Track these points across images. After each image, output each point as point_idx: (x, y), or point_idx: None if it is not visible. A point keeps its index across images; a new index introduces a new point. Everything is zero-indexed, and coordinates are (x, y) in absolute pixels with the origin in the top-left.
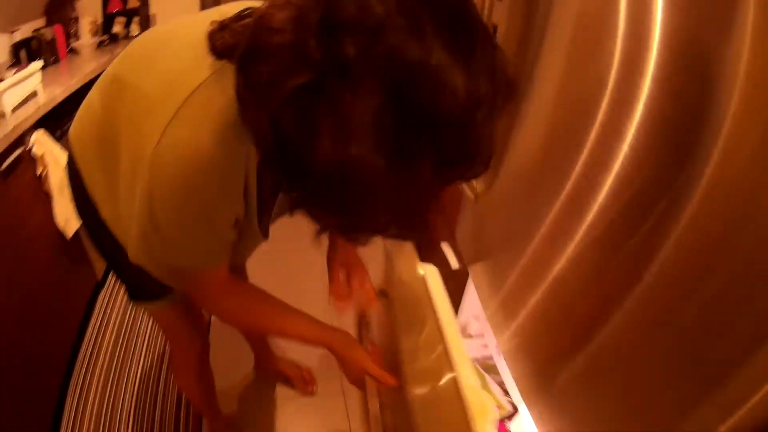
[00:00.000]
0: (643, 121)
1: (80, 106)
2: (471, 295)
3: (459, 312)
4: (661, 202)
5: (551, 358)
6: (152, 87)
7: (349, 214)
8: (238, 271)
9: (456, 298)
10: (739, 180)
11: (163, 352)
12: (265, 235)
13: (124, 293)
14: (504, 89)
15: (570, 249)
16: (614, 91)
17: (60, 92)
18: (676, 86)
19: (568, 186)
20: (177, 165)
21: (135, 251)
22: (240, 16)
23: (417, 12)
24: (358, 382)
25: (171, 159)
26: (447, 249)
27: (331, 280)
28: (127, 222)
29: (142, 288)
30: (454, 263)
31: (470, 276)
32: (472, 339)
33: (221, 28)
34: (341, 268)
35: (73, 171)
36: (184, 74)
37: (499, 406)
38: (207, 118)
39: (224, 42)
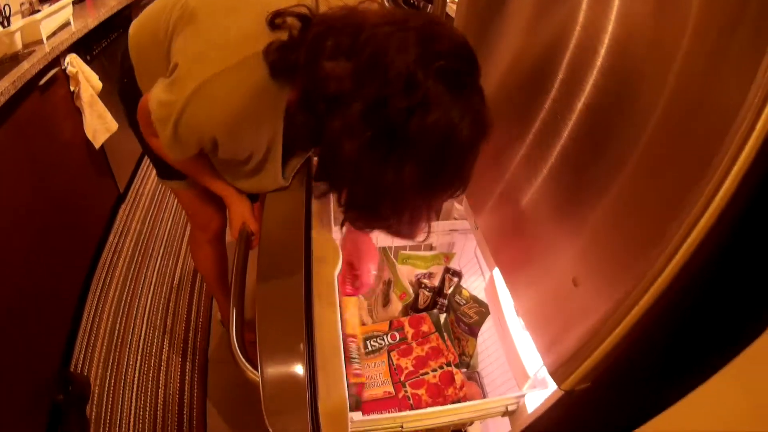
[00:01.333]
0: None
1: (143, 12)
2: None
3: None
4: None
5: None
6: (215, 36)
7: (371, 211)
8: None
9: None
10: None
11: (179, 254)
12: (287, 180)
13: (154, 176)
14: (485, 130)
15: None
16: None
17: (91, 21)
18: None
19: (542, 114)
20: (207, 109)
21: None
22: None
23: (445, 87)
24: (236, 227)
25: (204, 104)
26: None
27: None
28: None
29: (170, 168)
30: None
31: None
32: (456, 221)
33: (281, 47)
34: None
35: (126, 62)
36: (244, 40)
37: (404, 293)
38: (244, 86)
39: (283, 61)
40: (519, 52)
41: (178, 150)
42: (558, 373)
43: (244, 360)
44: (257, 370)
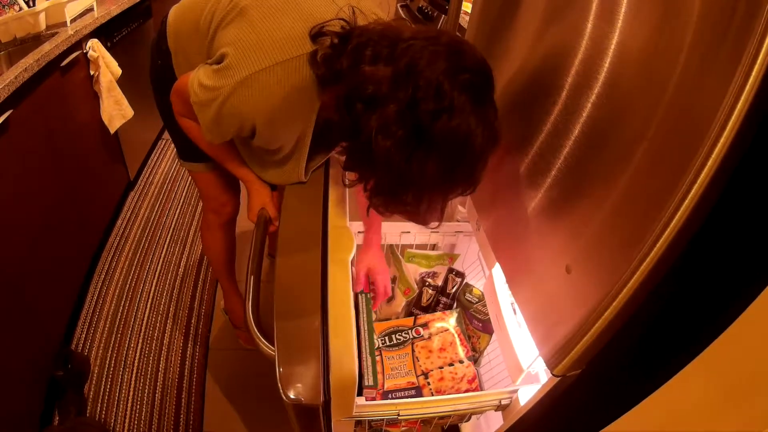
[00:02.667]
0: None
1: (183, 1)
2: None
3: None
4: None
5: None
6: (270, 33)
7: (394, 198)
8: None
9: None
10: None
11: (186, 243)
12: (306, 174)
13: (165, 165)
14: (496, 141)
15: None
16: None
17: (114, 8)
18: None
19: (549, 124)
20: (255, 97)
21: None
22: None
23: (467, 97)
24: (255, 210)
25: (252, 91)
26: None
27: (356, 281)
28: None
29: (191, 150)
30: None
31: None
32: (459, 223)
33: (325, 58)
34: (365, 272)
35: (163, 45)
36: (295, 40)
37: (408, 288)
38: (290, 81)
39: (327, 68)
40: (527, 62)
41: (216, 132)
42: (552, 360)
43: (260, 335)
44: (273, 345)
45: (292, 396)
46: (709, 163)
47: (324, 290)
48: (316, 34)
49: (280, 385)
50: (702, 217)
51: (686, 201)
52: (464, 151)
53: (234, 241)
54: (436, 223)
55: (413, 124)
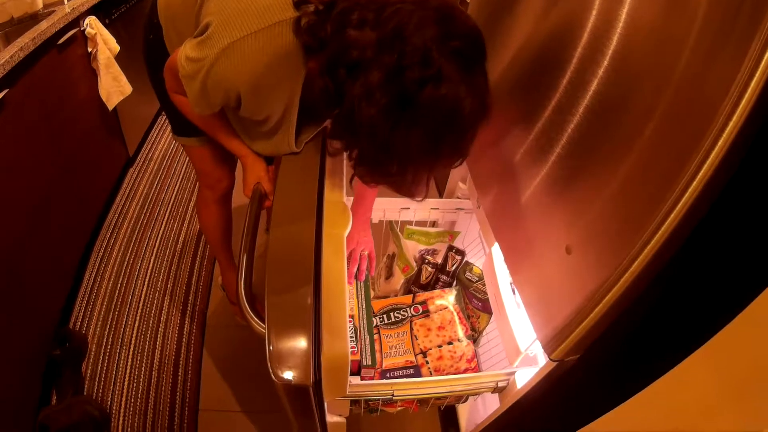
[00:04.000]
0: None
1: None
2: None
3: (449, 178)
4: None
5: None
6: (251, 1)
7: (379, 168)
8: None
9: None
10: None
11: (184, 219)
12: (298, 146)
13: (164, 141)
14: (485, 112)
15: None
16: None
17: None
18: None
19: (552, 102)
20: (237, 65)
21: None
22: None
23: (456, 65)
24: (250, 185)
25: (234, 60)
26: None
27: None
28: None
29: (185, 125)
30: None
31: None
32: (460, 200)
33: (309, 25)
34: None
35: (153, 21)
36: (277, 6)
37: (407, 266)
38: (272, 48)
39: (310, 36)
40: (532, 37)
41: (204, 104)
42: (549, 345)
43: (251, 312)
44: (264, 323)
45: (281, 375)
46: (720, 143)
47: (317, 266)
48: (299, 1)
49: (269, 364)
50: (710, 201)
51: (694, 183)
52: (451, 121)
53: (230, 216)
54: (421, 197)
55: (398, 92)
